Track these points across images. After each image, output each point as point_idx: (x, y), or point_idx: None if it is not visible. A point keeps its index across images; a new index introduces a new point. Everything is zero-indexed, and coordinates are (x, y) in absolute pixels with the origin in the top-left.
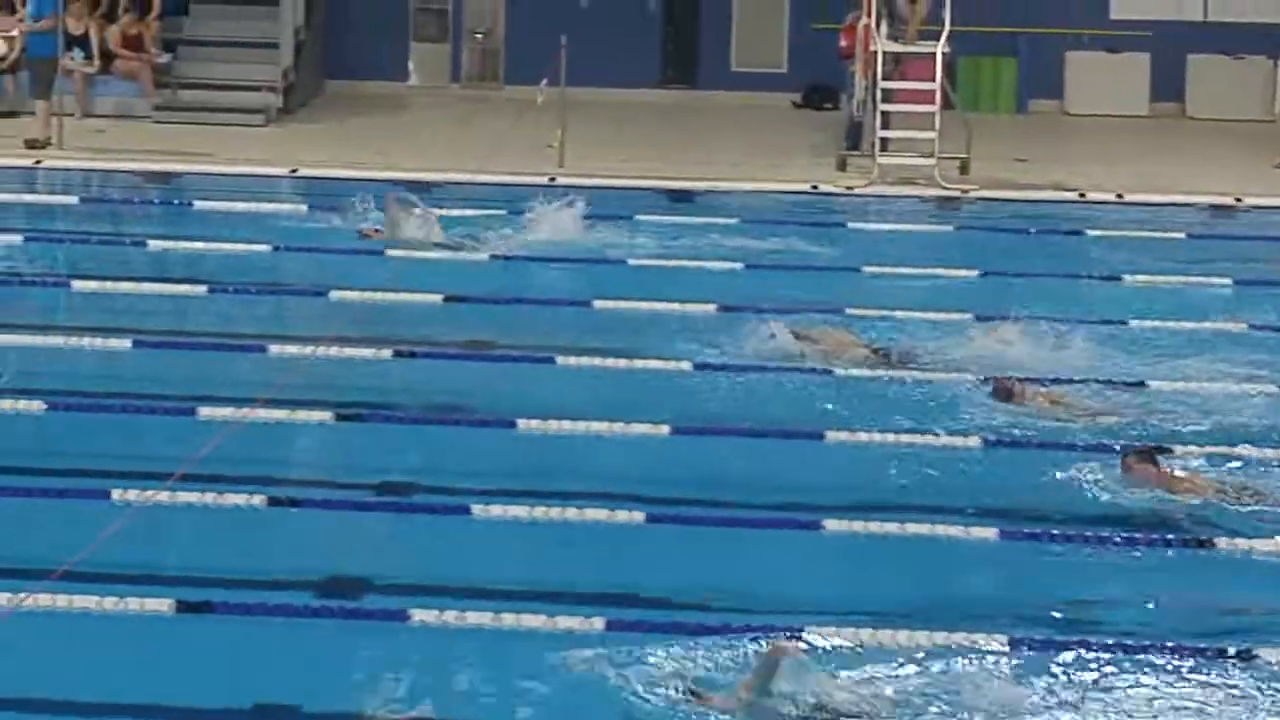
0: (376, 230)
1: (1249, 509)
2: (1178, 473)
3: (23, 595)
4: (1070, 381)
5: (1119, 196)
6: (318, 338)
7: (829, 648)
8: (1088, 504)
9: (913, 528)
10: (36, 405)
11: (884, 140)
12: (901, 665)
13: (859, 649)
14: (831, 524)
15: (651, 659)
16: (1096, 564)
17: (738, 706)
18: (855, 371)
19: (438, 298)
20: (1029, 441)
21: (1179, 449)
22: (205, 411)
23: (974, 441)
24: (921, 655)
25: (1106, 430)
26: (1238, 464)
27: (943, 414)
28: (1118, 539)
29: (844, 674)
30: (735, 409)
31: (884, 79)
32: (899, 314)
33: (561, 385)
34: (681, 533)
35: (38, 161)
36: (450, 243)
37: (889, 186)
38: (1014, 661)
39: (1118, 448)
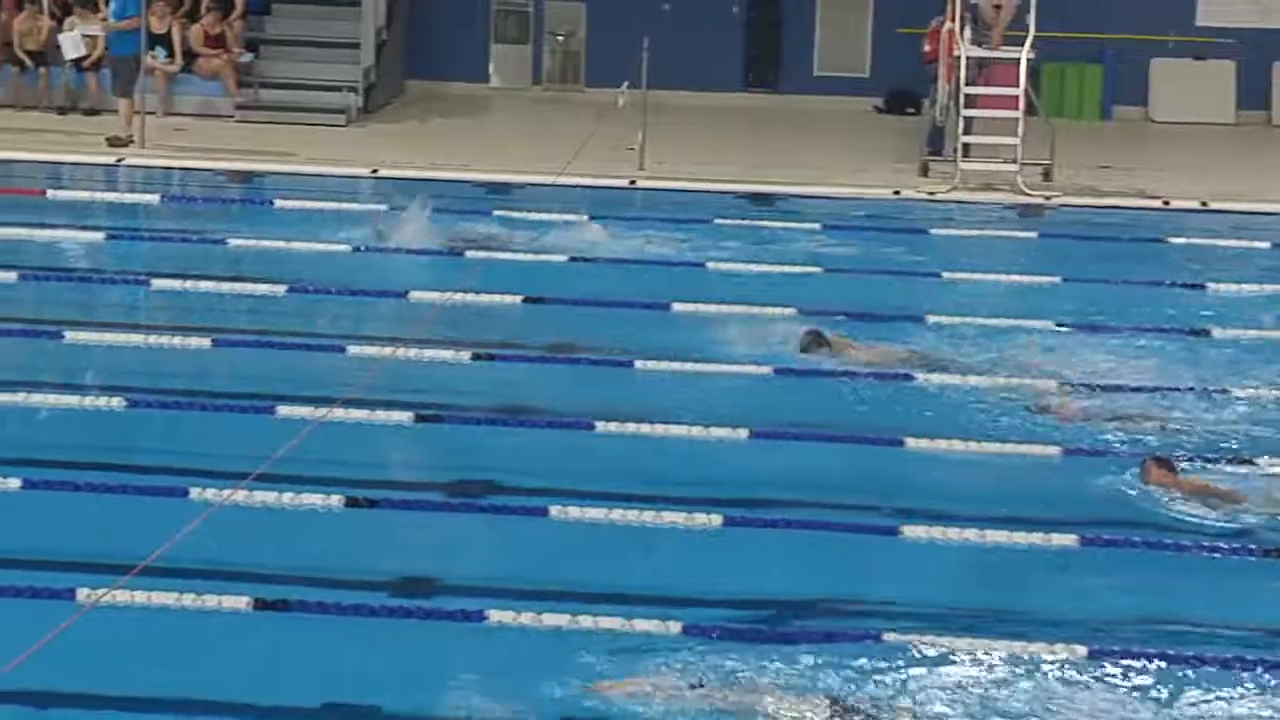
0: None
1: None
2: (1196, 480)
3: (103, 591)
4: (1149, 390)
5: (1203, 204)
6: (397, 338)
7: (906, 653)
8: (1161, 513)
9: (991, 535)
10: (117, 402)
11: (967, 146)
12: (978, 672)
13: (937, 655)
14: (909, 529)
15: (727, 663)
16: (1179, 573)
17: None
18: (936, 378)
19: (517, 299)
20: (1107, 450)
21: (1260, 459)
22: (284, 411)
23: (1053, 450)
24: (998, 663)
25: (1179, 437)
26: None
27: (1022, 421)
28: (1198, 547)
29: (922, 680)
30: (815, 413)
31: (967, 84)
32: (979, 320)
33: (640, 388)
34: (759, 536)
35: (120, 160)
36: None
37: (971, 192)
38: (1093, 671)
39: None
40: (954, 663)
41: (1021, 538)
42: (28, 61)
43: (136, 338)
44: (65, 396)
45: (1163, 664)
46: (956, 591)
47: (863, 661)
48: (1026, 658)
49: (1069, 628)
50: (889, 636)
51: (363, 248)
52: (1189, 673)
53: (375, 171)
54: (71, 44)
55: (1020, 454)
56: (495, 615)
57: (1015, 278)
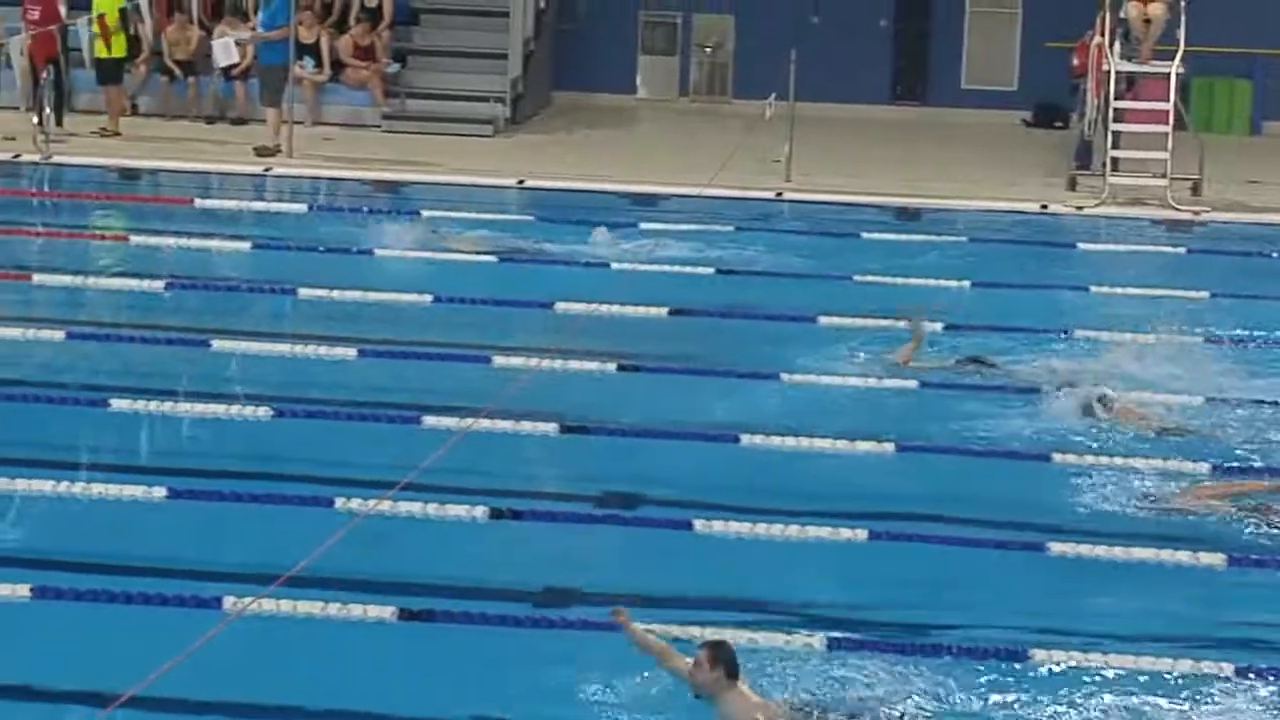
0: None
1: None
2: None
3: (249, 600)
4: None
5: None
6: (542, 349)
7: (1051, 668)
8: None
9: (1138, 553)
10: (263, 412)
11: (1115, 160)
12: (1126, 690)
13: (1081, 671)
14: (1056, 546)
15: (873, 678)
16: None
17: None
18: (1082, 392)
19: (663, 311)
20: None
21: None
22: (429, 421)
23: (1203, 468)
24: (1144, 679)
25: None
26: None
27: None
28: None
29: (1064, 695)
30: (960, 427)
31: (1116, 98)
32: (1127, 336)
33: (785, 401)
34: (904, 550)
35: (267, 169)
36: None
37: (1119, 207)
38: (1239, 689)
39: None
40: (1100, 681)
41: (1168, 555)
42: (177, 71)
43: (283, 347)
44: (212, 405)
45: None
46: (1100, 607)
47: (1009, 679)
48: (1174, 674)
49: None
50: (1036, 654)
51: (506, 258)
52: None
53: (521, 182)
54: (223, 51)
55: (1173, 470)
56: (638, 628)
57: (1163, 292)
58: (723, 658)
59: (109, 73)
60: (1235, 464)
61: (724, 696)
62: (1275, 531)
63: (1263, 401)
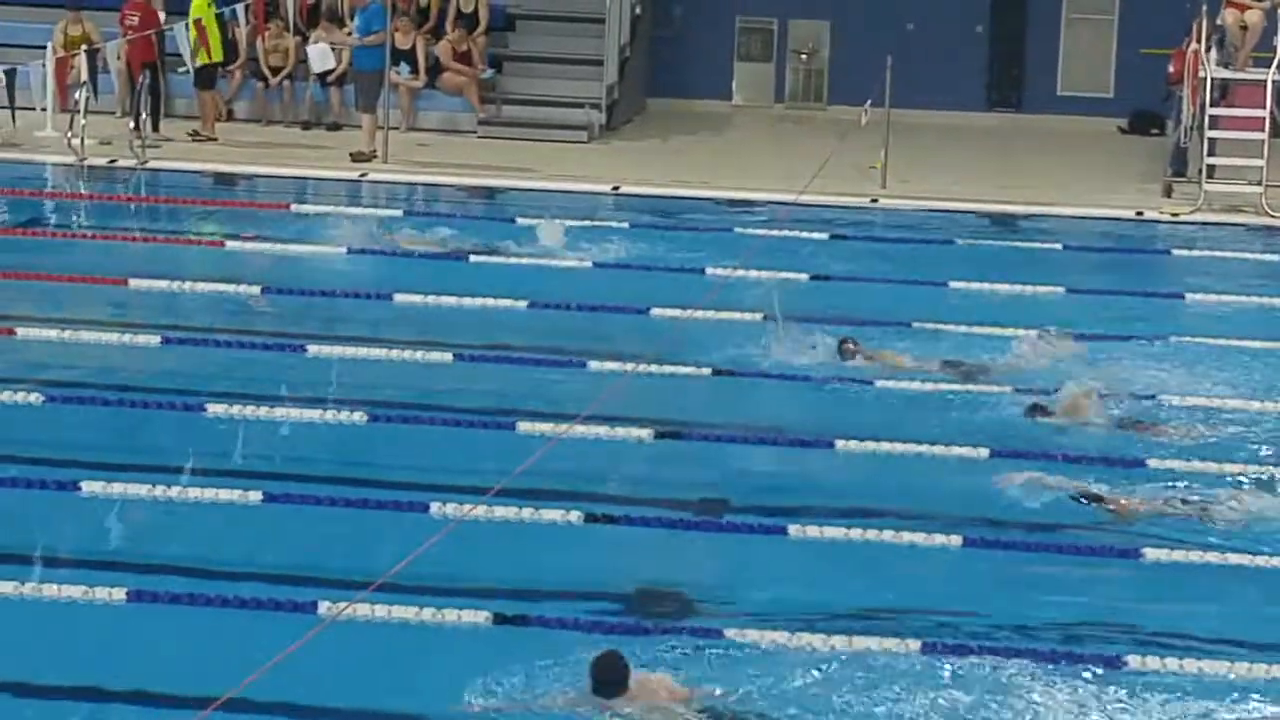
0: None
1: None
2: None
3: (344, 605)
4: None
5: None
6: (638, 355)
7: (1144, 677)
8: None
9: (1234, 558)
10: (359, 416)
11: (1211, 167)
12: (1228, 699)
13: (1177, 679)
14: (1151, 552)
15: (967, 683)
16: None
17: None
18: (1190, 400)
19: (757, 316)
20: None
21: None
22: (524, 426)
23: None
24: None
25: None
26: None
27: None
28: None
29: (1164, 704)
30: (1054, 435)
31: (1212, 105)
32: (1222, 341)
33: (881, 407)
34: (998, 558)
35: (363, 174)
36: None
37: (1215, 214)
38: None
39: None
40: (1201, 690)
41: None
42: (271, 79)
43: (378, 352)
44: (307, 410)
45: None
46: (1198, 615)
47: (1111, 687)
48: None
49: None
50: (1131, 660)
51: (602, 263)
52: None
53: (617, 188)
54: (319, 57)
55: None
56: (733, 633)
57: (1258, 300)
58: (595, 674)
59: (205, 78)
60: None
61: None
62: None
63: None
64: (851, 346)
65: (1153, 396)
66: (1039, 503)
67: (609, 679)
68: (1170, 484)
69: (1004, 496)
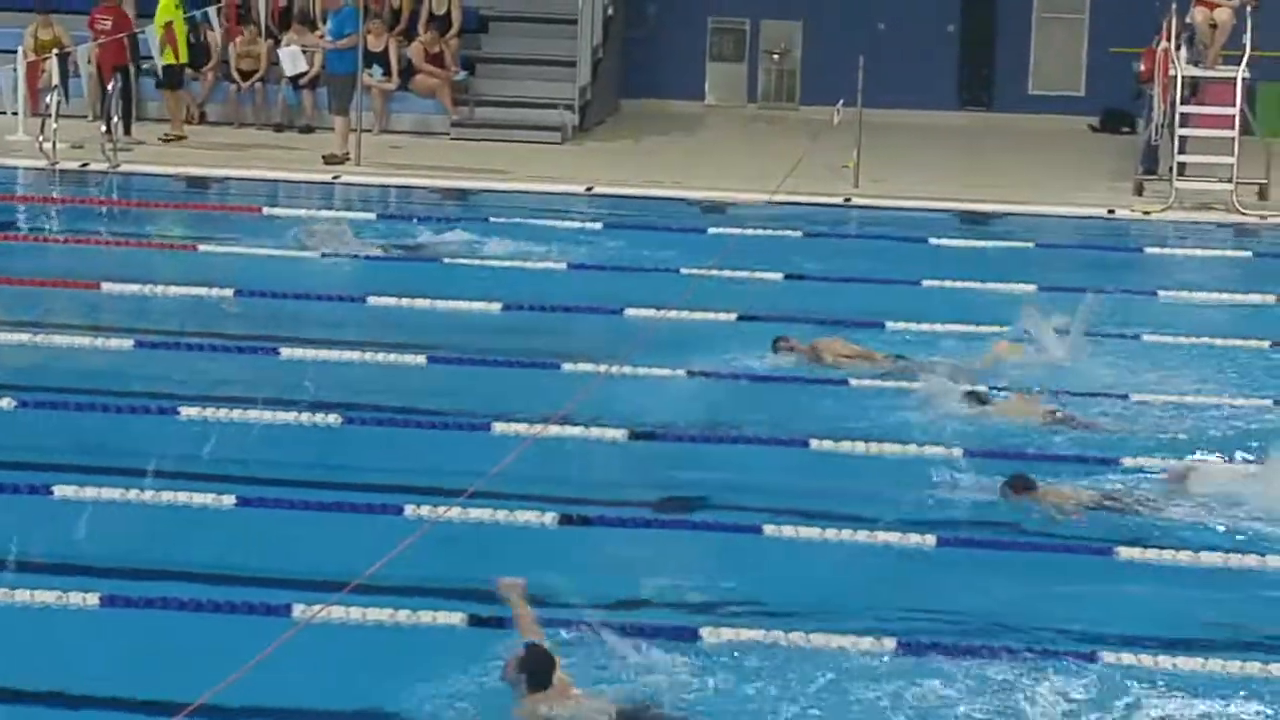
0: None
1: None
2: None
3: (318, 607)
4: None
5: None
6: (612, 356)
7: (1124, 674)
8: None
9: (1205, 558)
10: (333, 419)
11: (1181, 165)
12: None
13: (1149, 675)
14: (1124, 550)
15: (942, 681)
16: None
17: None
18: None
19: (731, 316)
20: None
21: None
22: (499, 428)
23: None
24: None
25: None
26: None
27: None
28: None
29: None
30: (1026, 433)
31: (1182, 103)
32: (1194, 339)
33: (854, 406)
34: (974, 557)
35: (336, 177)
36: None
37: (1186, 212)
38: None
39: None
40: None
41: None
42: (243, 82)
43: (351, 354)
44: (280, 413)
45: None
46: (1183, 617)
47: (1082, 682)
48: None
49: None
50: (1105, 655)
51: (577, 265)
52: None
53: (590, 189)
54: (291, 59)
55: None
56: (708, 633)
57: (1230, 296)
58: (529, 665)
59: (170, 78)
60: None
61: (520, 700)
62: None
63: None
64: (786, 344)
65: (1108, 394)
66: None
67: (542, 668)
68: (1097, 478)
69: (983, 494)
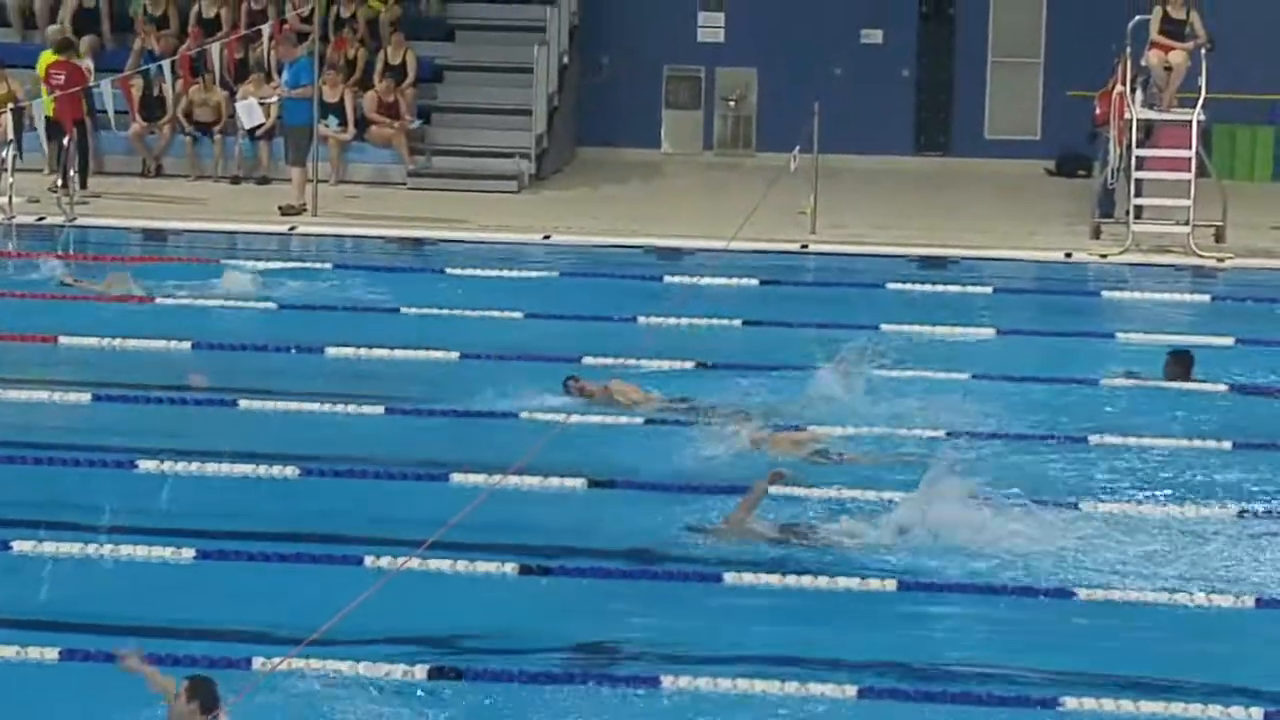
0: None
1: None
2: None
3: (279, 660)
4: None
5: None
6: (569, 408)
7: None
8: None
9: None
10: (290, 471)
11: (1138, 208)
12: None
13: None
14: (1085, 592)
15: None
16: None
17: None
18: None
19: (689, 364)
20: None
21: None
22: (458, 478)
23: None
24: None
25: None
26: None
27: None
28: None
29: None
30: (989, 473)
31: (1138, 146)
32: (1151, 382)
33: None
34: (934, 600)
35: (292, 228)
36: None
37: (1143, 254)
38: None
39: None
40: None
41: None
42: (190, 131)
43: (310, 406)
44: (239, 466)
45: None
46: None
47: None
48: None
49: None
50: (1067, 702)
51: (532, 314)
52: None
53: (547, 238)
54: (247, 112)
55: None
56: (669, 681)
57: (1188, 339)
58: (199, 694)
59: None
60: None
61: None
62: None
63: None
64: (576, 384)
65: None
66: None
67: (211, 696)
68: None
69: (935, 541)
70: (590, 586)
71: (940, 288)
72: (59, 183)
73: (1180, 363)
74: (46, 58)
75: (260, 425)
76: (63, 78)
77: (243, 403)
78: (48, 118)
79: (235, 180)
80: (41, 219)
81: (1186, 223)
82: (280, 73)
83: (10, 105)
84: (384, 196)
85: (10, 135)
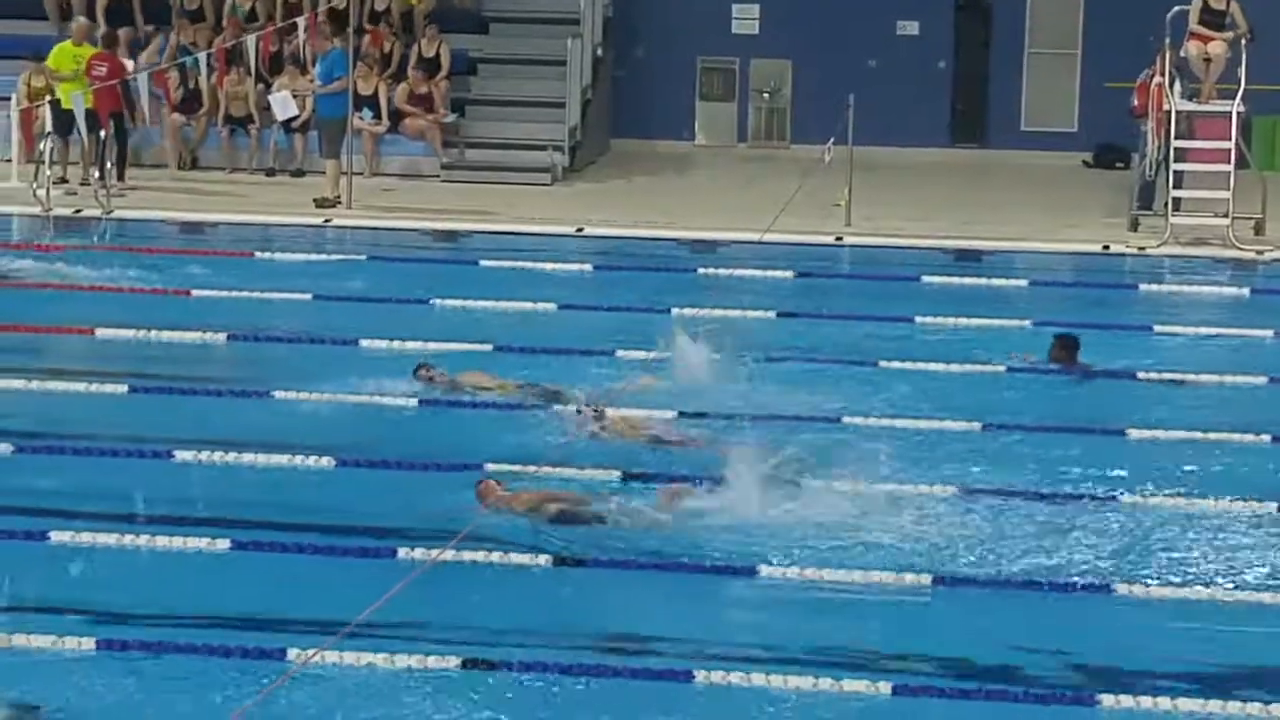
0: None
1: None
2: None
3: (313, 651)
4: None
5: None
6: (608, 392)
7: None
8: None
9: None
10: (326, 462)
11: (1177, 200)
12: None
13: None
14: (1123, 588)
15: None
16: None
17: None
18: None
19: (716, 356)
20: None
21: None
22: (492, 469)
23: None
24: None
25: None
26: None
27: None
28: None
29: None
30: (1029, 470)
31: (1177, 138)
32: (1191, 376)
33: (848, 445)
34: (962, 596)
35: (327, 220)
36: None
37: (1181, 247)
38: None
39: None
40: None
41: None
42: (223, 127)
43: (345, 397)
44: (274, 457)
45: None
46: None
47: None
48: None
49: None
50: (1104, 699)
51: (568, 306)
52: None
53: (580, 230)
54: (281, 105)
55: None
56: (703, 675)
57: (1227, 332)
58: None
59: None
60: None
61: None
62: None
63: None
64: (426, 373)
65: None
66: (1008, 536)
67: None
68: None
69: (976, 531)
70: (626, 578)
71: (976, 280)
72: (95, 175)
73: (1065, 346)
74: (65, 50)
75: (295, 416)
76: (104, 70)
77: (278, 394)
78: (87, 110)
79: (270, 172)
80: (79, 211)
81: (1226, 215)
82: (314, 65)
83: (48, 98)
84: (418, 189)
85: (49, 128)
